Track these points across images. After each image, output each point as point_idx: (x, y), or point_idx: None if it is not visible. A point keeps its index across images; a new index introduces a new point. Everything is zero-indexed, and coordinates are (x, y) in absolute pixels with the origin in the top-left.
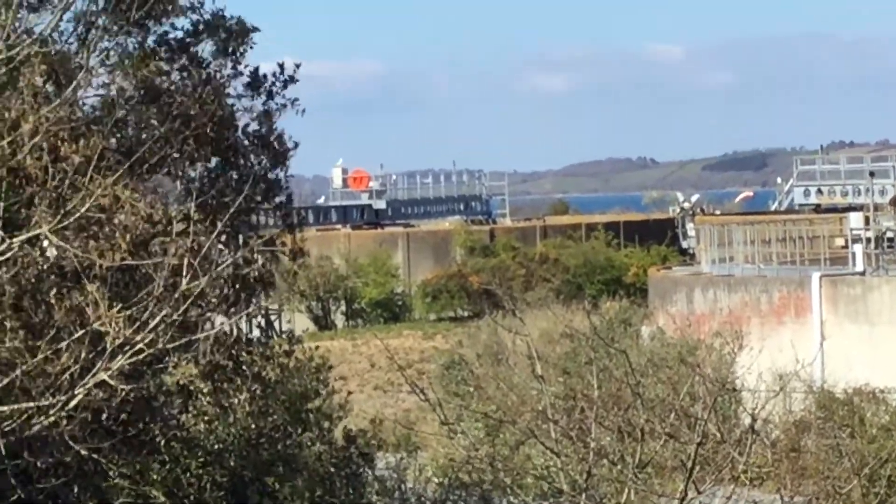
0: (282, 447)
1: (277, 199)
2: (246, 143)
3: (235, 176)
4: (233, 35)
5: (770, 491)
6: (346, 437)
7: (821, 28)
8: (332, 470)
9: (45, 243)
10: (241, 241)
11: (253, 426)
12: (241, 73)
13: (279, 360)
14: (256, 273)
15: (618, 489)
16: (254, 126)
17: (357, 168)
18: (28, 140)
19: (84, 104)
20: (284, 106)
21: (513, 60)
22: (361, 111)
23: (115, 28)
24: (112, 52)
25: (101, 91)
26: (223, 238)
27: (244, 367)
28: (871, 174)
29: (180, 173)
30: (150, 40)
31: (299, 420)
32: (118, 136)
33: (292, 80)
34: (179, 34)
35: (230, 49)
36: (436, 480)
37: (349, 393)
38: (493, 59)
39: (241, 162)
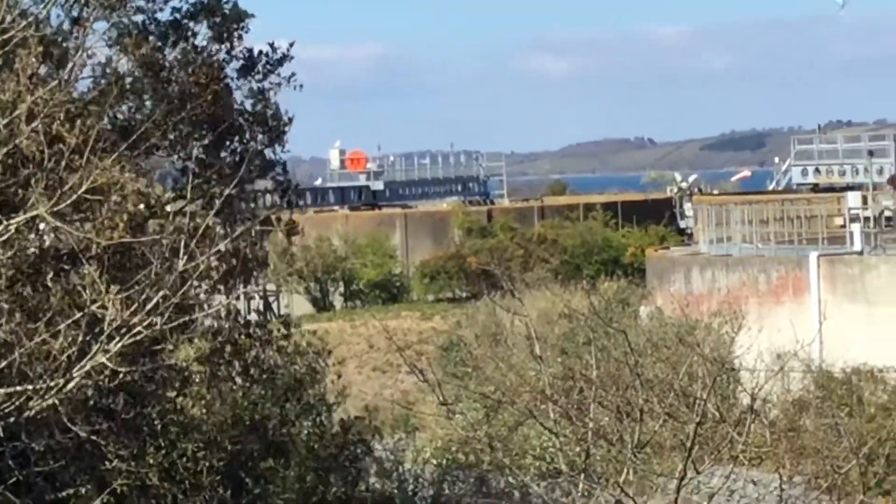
0: (277, 434)
1: (274, 176)
2: (242, 121)
3: (232, 155)
4: (228, 19)
5: (769, 470)
6: (341, 425)
7: (820, 9)
8: (327, 459)
9: (42, 225)
10: (237, 219)
11: (249, 411)
12: (236, 57)
13: (278, 343)
14: (251, 251)
15: (616, 469)
16: (249, 104)
17: (355, 149)
18: (25, 122)
19: (79, 85)
20: (279, 84)
21: (511, 42)
22: (359, 93)
23: (108, 7)
24: (106, 33)
25: (96, 71)
26: (220, 217)
27: (242, 351)
28: (871, 153)
29: (177, 153)
30: (144, 19)
31: (296, 406)
32: (114, 116)
33: (286, 57)
34: (175, 16)
35: (225, 34)
36: (434, 461)
37: (339, 376)
38: (491, 40)
39: (238, 140)
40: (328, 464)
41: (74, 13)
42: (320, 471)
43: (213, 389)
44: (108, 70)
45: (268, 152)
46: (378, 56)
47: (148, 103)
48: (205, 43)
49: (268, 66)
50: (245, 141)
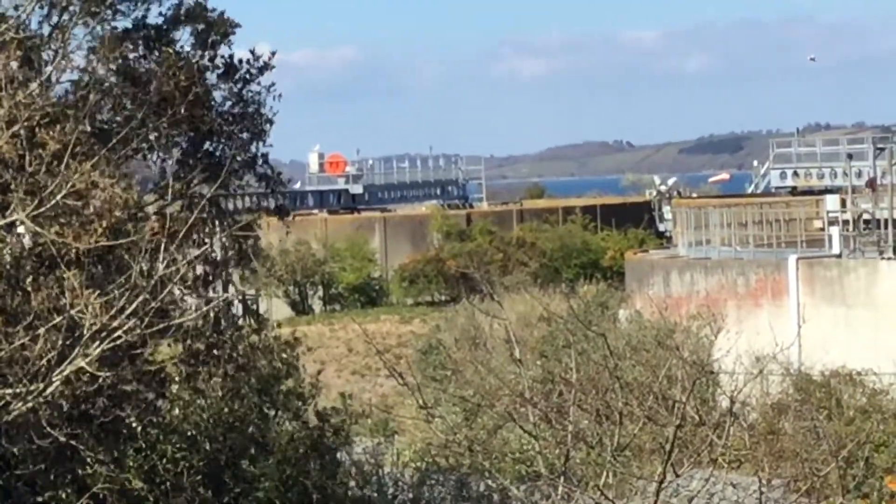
0: (255, 429)
1: (257, 170)
2: (221, 122)
3: (212, 157)
4: (213, 27)
5: (748, 473)
6: (317, 415)
7: (798, 11)
8: (305, 450)
9: (21, 229)
10: (219, 221)
11: (227, 409)
12: (218, 66)
13: (249, 339)
14: (233, 253)
15: (596, 472)
16: (229, 105)
17: (334, 153)
18: (5, 126)
19: (58, 89)
20: (259, 93)
21: (490, 45)
22: (338, 97)
23: (89, 12)
24: (87, 37)
25: (76, 76)
26: (202, 219)
27: (216, 350)
28: (850, 156)
29: (157, 156)
30: (127, 25)
31: (272, 401)
32: (93, 120)
33: (267, 66)
34: (158, 20)
35: (209, 41)
36: (413, 465)
37: (319, 371)
38: (471, 44)
39: (218, 143)
40: (306, 454)
41: (55, 18)
42: (300, 461)
43: (190, 390)
44: (86, 75)
45: (249, 149)
46: (356, 59)
47: (127, 106)
48: (187, 49)
49: (248, 74)
50: (225, 140)
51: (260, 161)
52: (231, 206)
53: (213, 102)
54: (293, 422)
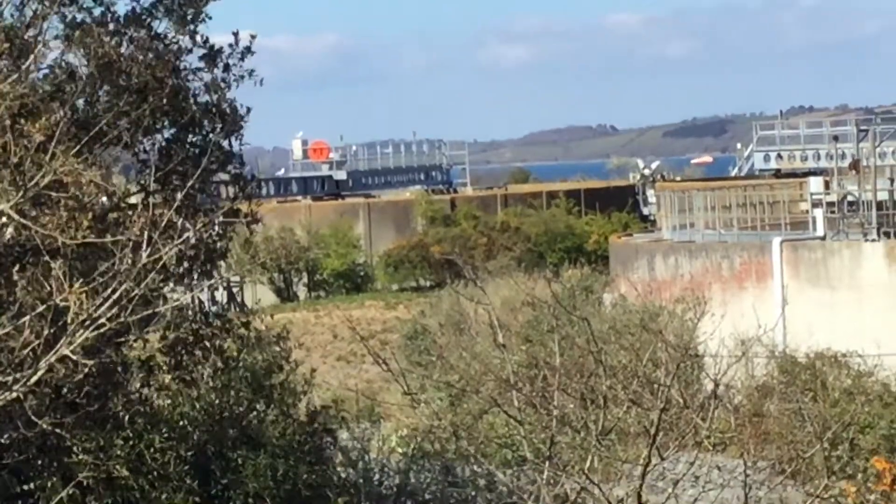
0: (245, 423)
1: (233, 169)
2: (200, 113)
3: (192, 147)
4: (190, 3)
5: (733, 456)
6: (308, 413)
7: None
8: (296, 447)
9: (4, 219)
10: (198, 211)
11: (216, 401)
12: (197, 47)
13: (237, 331)
14: (213, 244)
15: (581, 456)
16: (206, 96)
17: (317, 139)
18: None
19: (35, 79)
20: (242, 77)
21: (473, 31)
22: (321, 83)
23: (61, 2)
24: (65, 25)
25: (55, 64)
26: (182, 210)
27: (205, 341)
28: (835, 138)
29: (136, 146)
30: (102, 11)
31: (262, 395)
32: (72, 109)
33: (249, 51)
34: (135, 7)
35: (187, 18)
36: (399, 450)
37: (313, 370)
38: (454, 30)
39: (197, 132)
40: (297, 451)
41: (32, 7)
42: (290, 458)
43: (177, 380)
44: (62, 64)
45: (225, 144)
46: (338, 45)
47: (104, 96)
48: (165, 31)
49: (230, 58)
50: (205, 133)
51: (234, 161)
52: (211, 197)
53: (192, 90)
54: (284, 416)
